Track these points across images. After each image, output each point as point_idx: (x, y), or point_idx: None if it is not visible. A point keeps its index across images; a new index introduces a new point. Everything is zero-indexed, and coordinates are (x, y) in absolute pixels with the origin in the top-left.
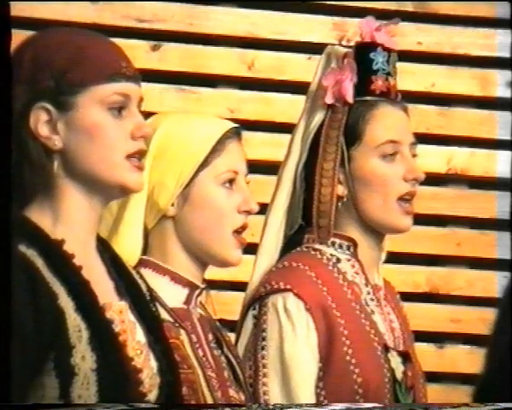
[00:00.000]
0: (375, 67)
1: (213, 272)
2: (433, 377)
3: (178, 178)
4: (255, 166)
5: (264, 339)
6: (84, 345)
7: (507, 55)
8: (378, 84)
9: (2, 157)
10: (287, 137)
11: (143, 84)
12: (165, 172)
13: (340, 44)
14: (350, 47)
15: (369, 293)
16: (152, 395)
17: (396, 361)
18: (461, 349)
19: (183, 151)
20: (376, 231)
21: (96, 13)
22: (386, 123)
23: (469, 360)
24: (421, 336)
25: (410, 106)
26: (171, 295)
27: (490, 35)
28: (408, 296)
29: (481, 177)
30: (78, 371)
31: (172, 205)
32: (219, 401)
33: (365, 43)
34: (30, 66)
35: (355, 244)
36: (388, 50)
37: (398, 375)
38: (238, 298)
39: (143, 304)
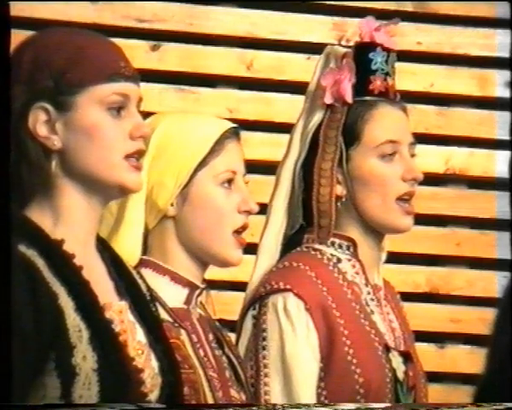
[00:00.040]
0: (373, 67)
1: (213, 272)
2: (434, 377)
3: (177, 178)
4: (254, 166)
5: (264, 339)
6: (85, 345)
7: (506, 55)
8: (377, 84)
9: (0, 157)
10: (286, 137)
11: (143, 84)
12: (164, 172)
13: (340, 44)
14: (349, 47)
15: (369, 293)
16: (153, 396)
17: (397, 361)
18: (461, 349)
19: (181, 151)
20: (376, 231)
21: (96, 13)
22: (384, 123)
23: (470, 360)
24: (422, 336)
25: (409, 106)
26: (171, 295)
27: (489, 35)
28: (408, 296)
29: (480, 177)
30: (80, 372)
31: (172, 205)
32: (221, 401)
33: (364, 43)
34: (29, 66)
35: (355, 244)
36: (387, 50)
37: (400, 375)
38: (238, 298)
39: (143, 304)
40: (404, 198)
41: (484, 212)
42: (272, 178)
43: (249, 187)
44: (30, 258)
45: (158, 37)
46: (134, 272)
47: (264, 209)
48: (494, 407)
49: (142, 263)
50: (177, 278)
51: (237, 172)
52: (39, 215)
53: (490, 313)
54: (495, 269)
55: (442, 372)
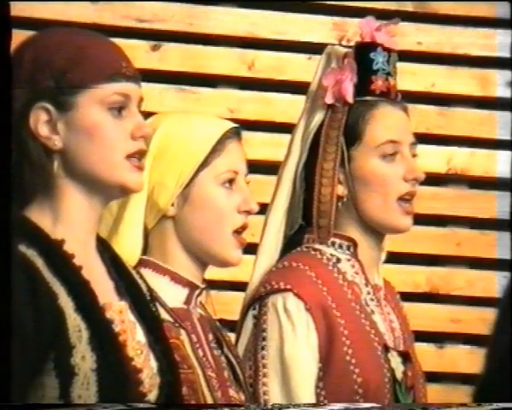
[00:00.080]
0: (375, 67)
1: (213, 272)
2: (433, 377)
3: (178, 178)
4: (255, 167)
5: (264, 339)
6: (84, 345)
7: (507, 55)
8: (378, 84)
9: (2, 157)
10: (287, 137)
11: (143, 84)
12: (165, 172)
13: (340, 44)
14: (350, 47)
15: (369, 293)
16: (152, 395)
17: (396, 361)
18: (461, 349)
19: (182, 151)
20: (376, 231)
21: (96, 13)
22: (386, 123)
23: (469, 360)
24: (421, 336)
25: (410, 106)
26: (171, 295)
27: (490, 35)
28: (408, 296)
29: (481, 177)
30: (78, 372)
31: (172, 205)
32: (219, 401)
33: (365, 43)
34: (30, 66)
35: (355, 244)
36: (388, 50)
37: (399, 375)
38: (238, 298)
39: (143, 304)
40: (405, 198)
41: (484, 212)
42: (273, 178)
43: (250, 187)
44: (30, 258)
45: (158, 37)
46: (134, 272)
47: (264, 209)
48: (494, 406)
49: (142, 263)
50: (177, 278)
51: (239, 172)
52: (39, 215)
53: (490, 313)
54: (495, 269)
55: (441, 372)
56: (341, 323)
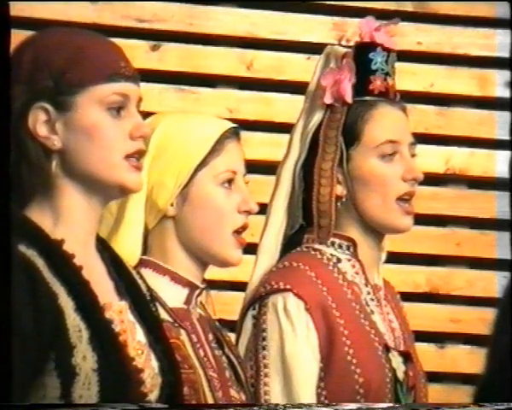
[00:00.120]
0: (373, 67)
1: (213, 272)
2: (434, 377)
3: (177, 178)
4: (254, 166)
5: (264, 339)
6: (85, 345)
7: (506, 55)
8: (377, 84)
9: (1, 157)
10: (286, 137)
11: (143, 84)
12: (164, 172)
13: (340, 44)
14: (349, 47)
15: (369, 293)
16: (153, 396)
17: (397, 361)
18: (461, 349)
19: (181, 151)
20: (376, 231)
21: (96, 13)
22: (384, 123)
23: (470, 360)
24: (422, 336)
25: (409, 106)
26: (171, 295)
27: (489, 35)
28: (408, 296)
29: (480, 177)
30: (80, 372)
31: (172, 205)
32: (220, 401)
33: (365, 43)
34: (29, 66)
35: (355, 244)
36: (388, 50)
37: (400, 375)
38: (238, 298)
39: (143, 304)
40: (405, 198)
41: (484, 212)
42: (272, 178)
43: (249, 187)
44: (30, 258)
45: (158, 37)
46: (134, 272)
47: (264, 209)
48: (496, 407)
49: (142, 263)
50: (177, 278)
51: (237, 172)
52: (39, 215)
53: (490, 313)
54: (495, 269)
55: (442, 372)
56: (341, 323)
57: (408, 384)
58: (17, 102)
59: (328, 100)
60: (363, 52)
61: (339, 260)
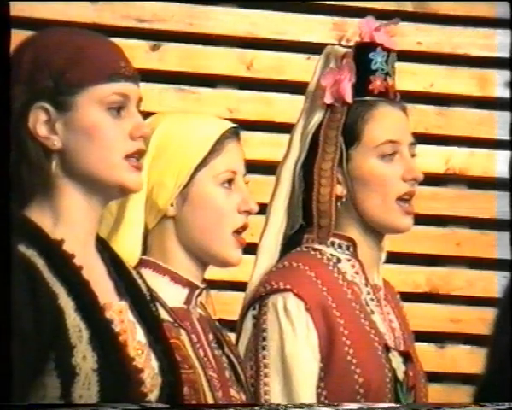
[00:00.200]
0: (373, 67)
1: (213, 272)
2: (434, 377)
3: (177, 178)
4: (254, 167)
5: (264, 339)
6: (85, 345)
7: (506, 55)
8: (376, 84)
9: (1, 157)
10: (286, 137)
11: (143, 84)
12: (164, 172)
13: (340, 44)
14: (349, 47)
15: (368, 293)
16: (153, 396)
17: (397, 361)
18: (461, 349)
19: (181, 151)
20: (376, 231)
21: (96, 13)
22: (384, 123)
23: (470, 360)
24: (422, 336)
25: (409, 106)
26: (171, 295)
27: (489, 35)
28: (408, 296)
29: (480, 177)
30: (80, 372)
31: (172, 205)
32: (220, 401)
33: (365, 43)
34: (29, 66)
35: (355, 244)
36: (387, 50)
37: (400, 375)
38: (238, 298)
39: (143, 304)
40: (405, 198)
41: (484, 212)
42: (272, 178)
43: (249, 187)
44: (30, 258)
45: (158, 37)
46: (134, 272)
47: (264, 209)
48: (497, 407)
49: (141, 263)
50: (176, 278)
51: (237, 172)
52: (39, 215)
53: (490, 313)
54: (495, 269)
55: (442, 372)
56: (341, 323)
57: (408, 384)
58: (17, 102)
59: (328, 100)
60: (363, 52)
61: (339, 260)
